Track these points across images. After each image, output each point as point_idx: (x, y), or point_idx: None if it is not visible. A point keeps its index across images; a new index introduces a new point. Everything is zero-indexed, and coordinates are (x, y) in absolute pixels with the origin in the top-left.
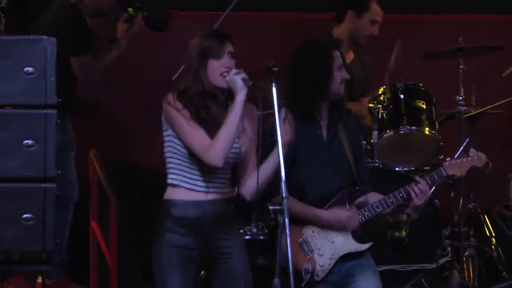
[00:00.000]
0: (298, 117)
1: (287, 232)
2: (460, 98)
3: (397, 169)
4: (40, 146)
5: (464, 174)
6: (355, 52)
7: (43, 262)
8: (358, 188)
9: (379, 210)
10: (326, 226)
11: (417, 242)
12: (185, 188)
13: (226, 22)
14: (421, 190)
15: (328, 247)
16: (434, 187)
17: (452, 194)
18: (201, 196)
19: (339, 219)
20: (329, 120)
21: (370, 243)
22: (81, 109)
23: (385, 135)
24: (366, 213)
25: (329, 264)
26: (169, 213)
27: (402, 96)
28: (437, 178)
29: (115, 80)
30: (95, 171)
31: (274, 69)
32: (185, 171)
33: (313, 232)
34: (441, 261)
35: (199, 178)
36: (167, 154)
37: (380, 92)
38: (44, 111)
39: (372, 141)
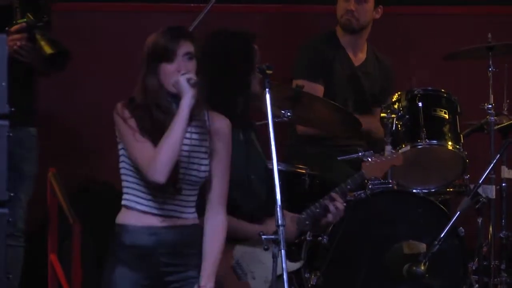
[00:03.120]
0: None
1: (284, 266)
2: (490, 106)
3: (414, 191)
4: None
5: (383, 175)
6: (369, 50)
7: None
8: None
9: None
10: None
11: (438, 278)
12: (139, 211)
13: (210, 16)
14: (338, 209)
15: (260, 269)
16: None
17: (480, 220)
18: (156, 222)
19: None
20: (243, 123)
21: (302, 262)
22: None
23: (400, 151)
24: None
25: None
26: (120, 240)
27: (420, 104)
28: (359, 182)
29: (77, 86)
30: (55, 194)
31: (268, 71)
32: (140, 191)
33: (244, 253)
34: None
35: (156, 200)
36: (121, 171)
37: (394, 99)
38: None
39: None
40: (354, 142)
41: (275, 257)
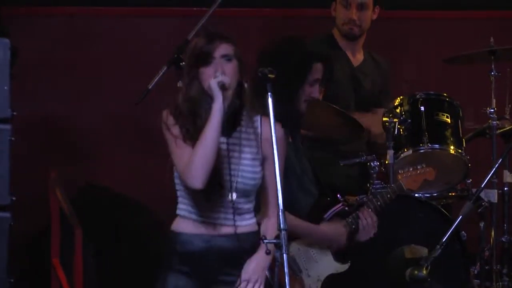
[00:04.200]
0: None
1: (286, 270)
2: (492, 110)
3: (416, 195)
4: None
5: (418, 188)
6: (366, 51)
7: None
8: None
9: None
10: (319, 241)
11: (440, 282)
12: (193, 220)
13: (209, 20)
14: (368, 224)
15: (314, 267)
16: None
17: (482, 224)
18: (211, 230)
19: (337, 233)
20: (290, 128)
21: (349, 263)
22: (39, 124)
23: (402, 155)
24: None
25: (317, 287)
26: (173, 247)
27: (422, 108)
28: (397, 192)
29: (79, 89)
30: (57, 198)
31: (270, 76)
32: (191, 200)
33: (299, 250)
34: None
35: (210, 208)
36: (175, 181)
37: (396, 103)
38: None
39: (387, 162)
40: (356, 147)
41: (277, 261)
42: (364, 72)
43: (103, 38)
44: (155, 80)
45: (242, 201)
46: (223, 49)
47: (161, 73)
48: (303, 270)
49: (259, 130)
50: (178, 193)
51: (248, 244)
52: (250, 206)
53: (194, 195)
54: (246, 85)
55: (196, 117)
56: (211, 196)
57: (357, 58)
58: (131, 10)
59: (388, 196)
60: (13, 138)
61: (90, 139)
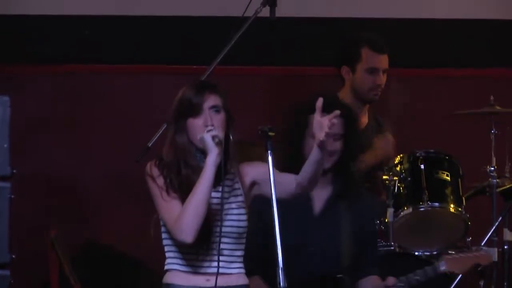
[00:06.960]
0: None
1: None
2: (492, 169)
3: (416, 253)
4: None
5: (466, 272)
6: (370, 113)
7: None
8: (342, 277)
9: None
10: None
11: None
12: (182, 272)
13: (212, 77)
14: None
15: None
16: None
17: (482, 283)
18: (202, 282)
19: None
20: (331, 192)
21: None
22: (39, 182)
23: (402, 213)
24: None
25: None
26: None
27: (422, 166)
28: (430, 275)
29: (80, 146)
30: (56, 256)
31: (270, 133)
32: (181, 252)
33: None
34: None
35: (198, 259)
36: (162, 236)
37: (396, 161)
38: None
39: (386, 220)
40: None
41: None
42: (367, 136)
43: (103, 95)
44: (155, 137)
45: (232, 247)
46: (212, 100)
47: (161, 131)
48: None
49: (243, 180)
50: (166, 248)
51: None
52: (240, 253)
53: (183, 247)
54: (231, 137)
55: (181, 167)
56: (201, 247)
57: (363, 121)
58: (131, 68)
59: (417, 278)
60: (13, 196)
61: (91, 197)
